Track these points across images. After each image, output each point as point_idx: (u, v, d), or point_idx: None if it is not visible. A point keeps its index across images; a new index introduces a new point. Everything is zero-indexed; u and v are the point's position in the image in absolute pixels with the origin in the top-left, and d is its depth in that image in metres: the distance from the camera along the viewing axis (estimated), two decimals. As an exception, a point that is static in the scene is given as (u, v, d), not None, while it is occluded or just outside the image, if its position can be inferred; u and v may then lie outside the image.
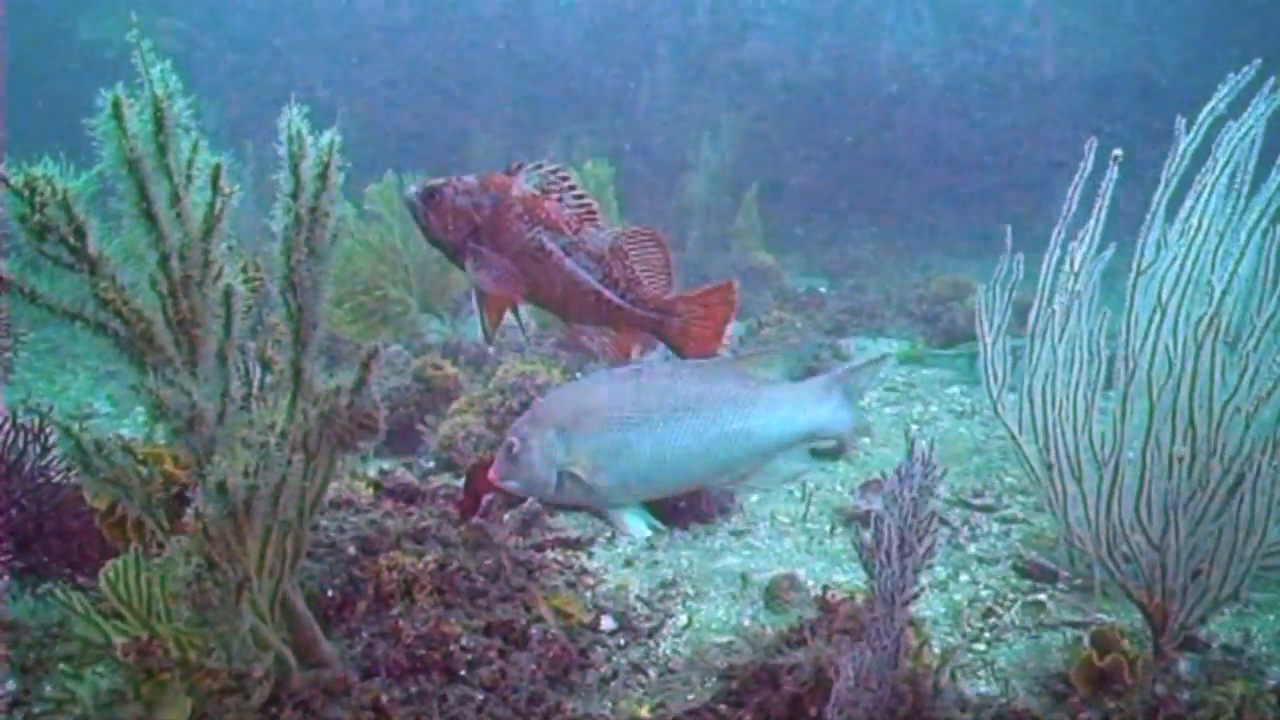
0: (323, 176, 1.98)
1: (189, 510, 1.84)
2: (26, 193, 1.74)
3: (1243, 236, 2.49)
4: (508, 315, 2.53)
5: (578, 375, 5.04)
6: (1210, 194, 2.52)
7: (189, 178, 1.89)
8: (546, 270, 2.44)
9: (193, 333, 1.95)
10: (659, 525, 2.53)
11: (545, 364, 4.38)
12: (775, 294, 7.83)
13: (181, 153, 1.87)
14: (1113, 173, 2.57)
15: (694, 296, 2.56)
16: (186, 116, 1.86)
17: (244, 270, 2.12)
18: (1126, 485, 2.60)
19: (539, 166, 2.44)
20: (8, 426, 3.32)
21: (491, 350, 5.29)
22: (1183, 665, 2.61)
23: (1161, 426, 2.54)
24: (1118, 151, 2.57)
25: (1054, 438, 2.69)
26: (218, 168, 1.91)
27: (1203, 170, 2.52)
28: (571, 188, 2.45)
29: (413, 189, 2.49)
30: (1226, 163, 2.50)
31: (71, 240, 1.80)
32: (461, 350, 5.39)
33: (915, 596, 2.22)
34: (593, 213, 2.47)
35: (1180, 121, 2.52)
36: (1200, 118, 2.52)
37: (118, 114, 1.77)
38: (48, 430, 3.33)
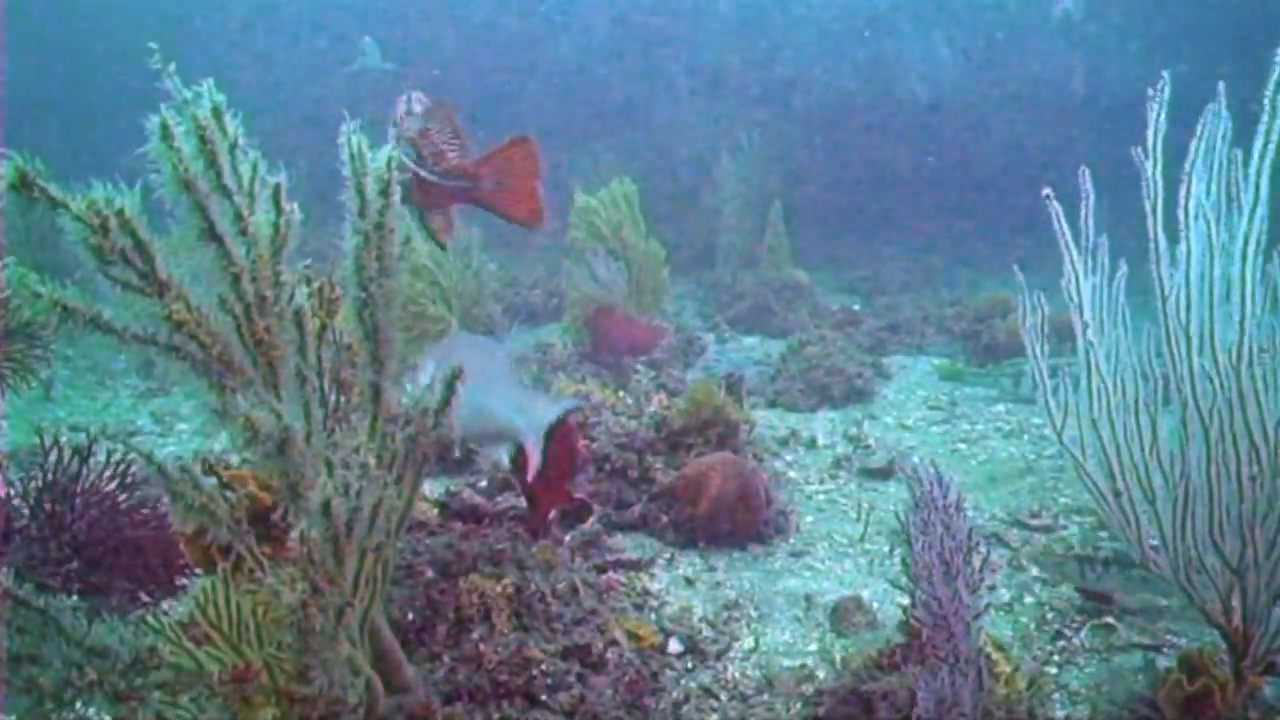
0: (385, 193, 1.98)
1: (292, 534, 1.82)
2: (91, 217, 1.72)
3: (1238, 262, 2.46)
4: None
5: (621, 393, 5.03)
6: (1193, 222, 2.48)
7: (251, 197, 1.87)
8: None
9: (271, 354, 1.94)
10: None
11: (599, 383, 4.36)
12: (810, 311, 7.80)
13: (241, 172, 1.85)
14: (1056, 208, 2.54)
15: (492, 156, 2.60)
16: (242, 136, 1.85)
17: (319, 291, 2.12)
18: (1198, 505, 2.56)
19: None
20: (55, 447, 3.34)
21: None
22: (1267, 690, 2.57)
23: (1223, 447, 2.50)
24: (1047, 190, 2.55)
25: (1119, 461, 2.65)
26: (278, 187, 1.89)
27: (1182, 196, 2.49)
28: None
29: None
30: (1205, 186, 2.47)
31: (139, 264, 1.78)
32: (505, 369, 5.37)
33: (976, 618, 2.20)
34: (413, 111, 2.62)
35: (1136, 150, 2.49)
36: (1149, 142, 2.48)
37: (166, 136, 1.74)
38: (96, 449, 3.35)
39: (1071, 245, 2.54)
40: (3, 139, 1.75)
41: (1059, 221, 2.52)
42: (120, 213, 1.74)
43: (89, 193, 1.72)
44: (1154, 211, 2.50)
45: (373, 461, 1.98)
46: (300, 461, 1.92)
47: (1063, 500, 4.22)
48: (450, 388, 2.18)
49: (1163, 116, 2.47)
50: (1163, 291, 2.52)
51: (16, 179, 1.65)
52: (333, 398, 2.20)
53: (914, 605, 2.22)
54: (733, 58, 14.17)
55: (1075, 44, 13.28)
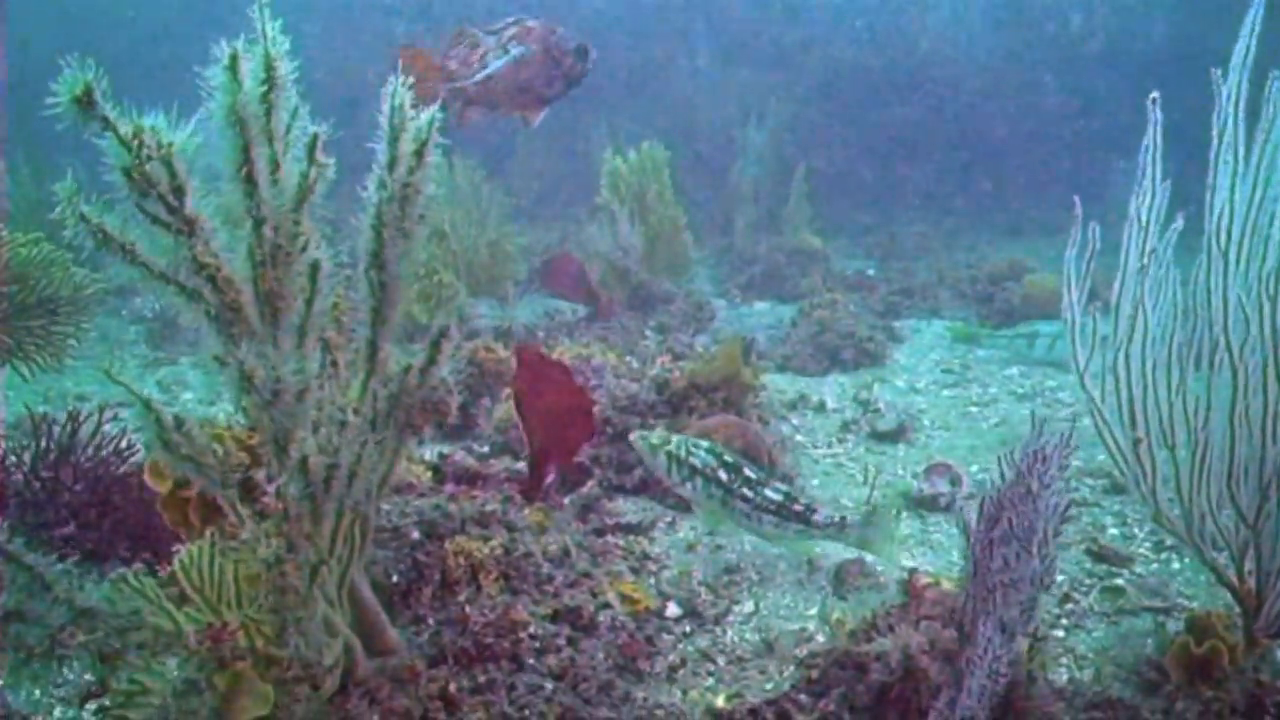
0: (420, 154, 1.92)
1: (271, 490, 1.78)
2: (134, 144, 1.68)
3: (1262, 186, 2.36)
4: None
5: (628, 358, 4.97)
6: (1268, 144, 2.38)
7: (287, 144, 1.82)
8: None
9: (277, 305, 1.89)
10: None
11: (603, 347, 4.31)
12: (824, 276, 7.71)
13: (284, 117, 1.80)
14: (1156, 115, 2.44)
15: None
16: (294, 80, 1.78)
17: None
18: (1216, 456, 2.47)
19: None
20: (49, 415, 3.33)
21: None
22: (1279, 654, 2.50)
23: (1251, 391, 2.40)
24: (1155, 94, 2.46)
25: (1142, 405, 2.55)
26: (315, 138, 1.84)
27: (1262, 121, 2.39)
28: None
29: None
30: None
31: (170, 199, 1.74)
32: (513, 334, 5.33)
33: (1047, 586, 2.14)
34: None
35: (1216, 73, 2.39)
36: (1233, 62, 2.39)
37: (234, 67, 1.69)
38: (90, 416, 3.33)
39: (1157, 162, 2.44)
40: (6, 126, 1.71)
41: (1154, 130, 2.42)
42: (165, 147, 1.70)
43: (140, 121, 1.68)
44: (1221, 135, 2.40)
45: (353, 419, 1.93)
46: (290, 416, 1.88)
47: (1075, 463, 4.12)
48: (437, 346, 2.13)
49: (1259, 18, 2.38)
50: (1208, 217, 2.42)
51: (82, 93, 1.61)
52: (317, 356, 2.15)
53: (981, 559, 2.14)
54: (752, 23, 14.00)
55: (1095, 2, 13.04)
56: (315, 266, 1.89)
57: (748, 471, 3.03)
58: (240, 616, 1.94)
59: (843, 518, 3.03)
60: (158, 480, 2.14)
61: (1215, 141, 2.41)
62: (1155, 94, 2.44)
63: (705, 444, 3.07)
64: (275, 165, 1.79)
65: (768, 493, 3.02)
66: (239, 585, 1.99)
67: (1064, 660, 2.71)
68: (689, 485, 3.05)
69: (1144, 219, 2.49)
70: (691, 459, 3.01)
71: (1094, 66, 12.73)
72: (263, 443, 1.94)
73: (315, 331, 1.96)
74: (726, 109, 11.03)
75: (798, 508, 3.02)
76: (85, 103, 1.62)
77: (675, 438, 3.09)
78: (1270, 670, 2.34)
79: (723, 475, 3.01)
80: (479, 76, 3.49)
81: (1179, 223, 2.49)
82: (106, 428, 3.32)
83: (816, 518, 3.01)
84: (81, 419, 3.30)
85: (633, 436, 3.16)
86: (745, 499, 3.01)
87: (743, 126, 9.50)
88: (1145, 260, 2.49)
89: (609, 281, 6.27)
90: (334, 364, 2.08)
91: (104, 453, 3.27)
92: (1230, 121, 2.38)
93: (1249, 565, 2.52)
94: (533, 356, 3.28)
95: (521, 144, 10.85)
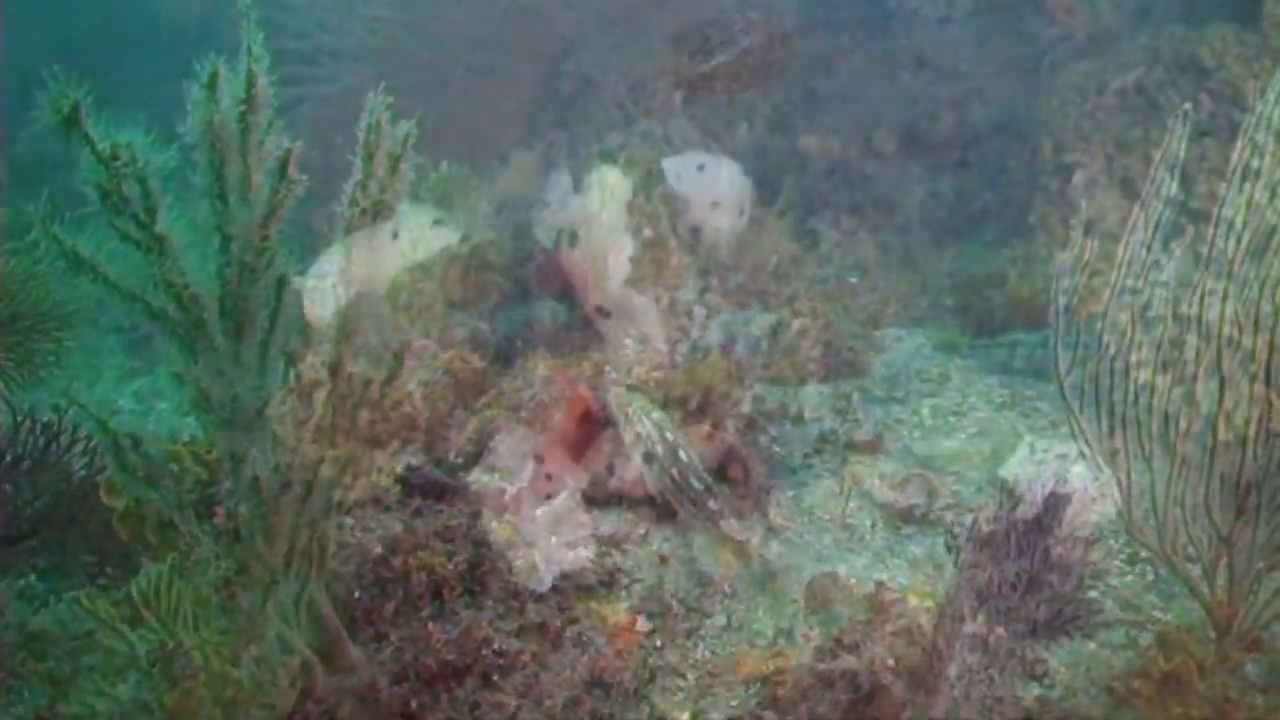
0: (394, 170, 1.91)
1: (221, 510, 1.76)
2: (110, 160, 1.67)
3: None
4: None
5: (606, 367, 4.94)
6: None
7: (260, 159, 1.81)
8: None
9: (241, 320, 1.88)
10: None
11: (575, 359, 4.29)
12: (805, 284, 7.68)
13: (259, 132, 1.80)
14: (1180, 127, 2.41)
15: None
16: (271, 95, 1.78)
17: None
18: (1193, 469, 2.45)
19: None
20: (28, 425, 3.30)
21: None
22: (1250, 668, 2.49)
23: (1235, 400, 2.38)
24: (1187, 106, 2.43)
25: (1122, 418, 2.52)
26: (288, 153, 1.82)
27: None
28: None
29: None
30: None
31: (142, 216, 1.73)
32: (491, 343, 5.28)
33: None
34: None
35: (1254, 82, 2.37)
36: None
37: (212, 85, 1.70)
38: (68, 428, 3.31)
39: (1174, 173, 2.40)
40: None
41: (1177, 140, 2.39)
42: (139, 165, 1.69)
43: (117, 137, 1.67)
44: (1248, 140, 2.36)
45: (311, 435, 1.91)
46: (246, 433, 1.86)
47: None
48: (398, 359, 2.11)
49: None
50: (1213, 225, 2.40)
51: (70, 111, 1.61)
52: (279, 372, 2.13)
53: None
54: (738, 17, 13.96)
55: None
56: (282, 281, 1.88)
57: (681, 454, 2.95)
58: (195, 637, 1.91)
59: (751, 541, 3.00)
60: (113, 497, 2.11)
61: (1239, 147, 2.38)
62: (1187, 105, 2.43)
63: (656, 414, 3.03)
64: (247, 181, 1.79)
65: (692, 480, 2.93)
66: (194, 605, 1.97)
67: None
68: (634, 447, 3.02)
69: (1149, 227, 2.46)
70: (637, 425, 2.98)
71: (1079, 67, 12.72)
72: (219, 459, 1.93)
73: (279, 346, 1.94)
74: (715, 107, 10.99)
75: (713, 505, 2.92)
76: (73, 123, 1.62)
77: (639, 400, 3.07)
78: (1240, 685, 2.33)
79: (659, 450, 2.95)
80: (707, 66, 3.98)
81: (1189, 234, 2.47)
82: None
83: (722, 524, 2.93)
84: (62, 428, 3.29)
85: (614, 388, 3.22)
86: (672, 479, 2.94)
87: (729, 128, 9.47)
88: (1145, 270, 2.46)
89: (593, 290, 6.23)
90: (298, 378, 2.06)
91: (73, 467, 3.25)
92: (1262, 128, 2.35)
93: (1221, 579, 2.51)
94: (581, 404, 3.46)
95: (510, 149, 10.78)
